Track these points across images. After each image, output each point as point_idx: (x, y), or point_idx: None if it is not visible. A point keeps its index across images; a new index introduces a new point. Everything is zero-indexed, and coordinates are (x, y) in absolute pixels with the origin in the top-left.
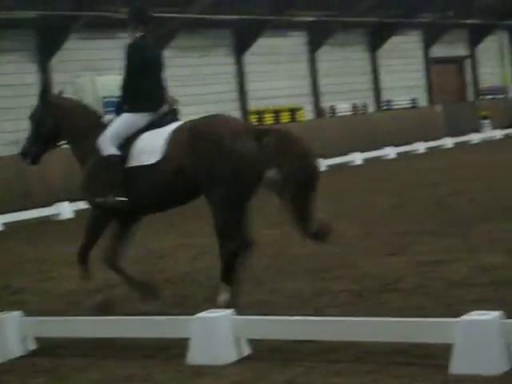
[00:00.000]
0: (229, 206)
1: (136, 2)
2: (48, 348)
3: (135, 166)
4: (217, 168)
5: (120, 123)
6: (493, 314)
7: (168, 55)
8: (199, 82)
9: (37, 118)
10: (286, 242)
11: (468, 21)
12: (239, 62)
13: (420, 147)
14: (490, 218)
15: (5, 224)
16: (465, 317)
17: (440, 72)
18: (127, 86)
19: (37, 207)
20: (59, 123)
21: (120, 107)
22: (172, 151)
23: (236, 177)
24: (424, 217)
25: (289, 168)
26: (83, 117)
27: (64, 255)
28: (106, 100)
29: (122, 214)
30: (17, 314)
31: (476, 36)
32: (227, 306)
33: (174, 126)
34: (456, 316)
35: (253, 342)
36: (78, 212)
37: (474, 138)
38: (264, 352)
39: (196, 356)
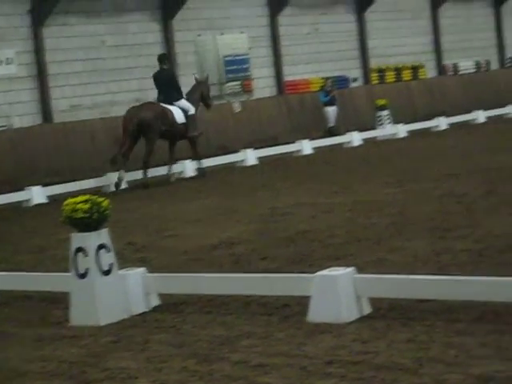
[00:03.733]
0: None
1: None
2: (171, 304)
3: None
4: None
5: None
6: None
7: (289, 13)
8: (320, 40)
9: None
10: (406, 201)
11: None
12: (360, 20)
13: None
14: None
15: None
16: None
17: None
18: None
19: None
20: None
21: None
22: None
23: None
24: None
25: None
26: None
27: (185, 213)
28: (227, 59)
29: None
30: (140, 270)
31: None
32: None
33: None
34: None
35: (373, 301)
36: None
37: None
38: (384, 311)
39: (316, 314)
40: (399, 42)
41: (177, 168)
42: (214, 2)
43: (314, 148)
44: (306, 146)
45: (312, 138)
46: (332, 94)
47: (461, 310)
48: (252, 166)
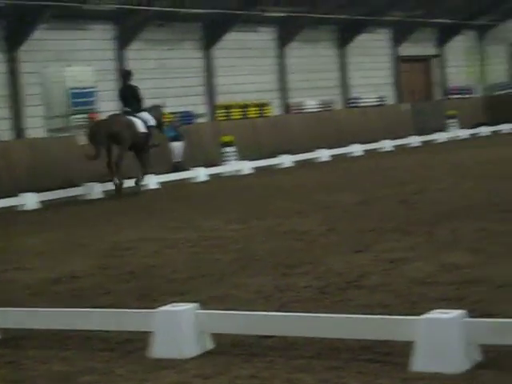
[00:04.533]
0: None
1: None
2: (10, 339)
3: None
4: None
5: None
6: (454, 313)
7: (136, 47)
8: (167, 76)
9: None
10: (250, 238)
11: (436, 20)
12: (207, 56)
13: (386, 145)
14: (455, 217)
15: None
16: (427, 315)
17: (408, 70)
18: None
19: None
20: None
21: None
22: None
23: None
24: (389, 215)
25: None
26: None
27: (28, 246)
28: (73, 91)
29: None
30: None
31: (444, 35)
32: None
33: None
34: (419, 314)
35: (216, 337)
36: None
37: (441, 137)
38: (227, 347)
39: (158, 350)
40: (246, 79)
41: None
42: (62, 33)
43: (160, 183)
44: (152, 181)
45: (158, 173)
46: (178, 129)
47: (302, 346)
48: (97, 200)
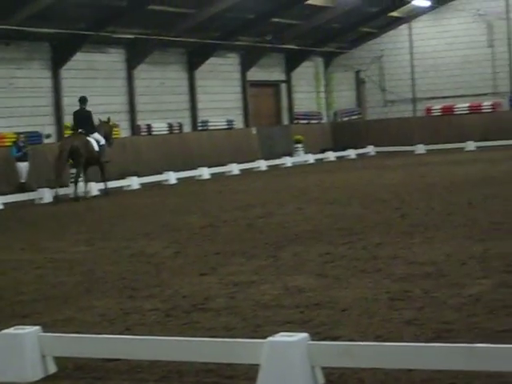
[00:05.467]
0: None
1: None
2: None
3: None
4: None
5: None
6: (298, 336)
7: None
8: (14, 95)
9: None
10: (97, 260)
11: (284, 46)
12: (56, 76)
13: (234, 169)
14: (299, 241)
15: None
16: (271, 338)
17: (257, 95)
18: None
19: None
20: None
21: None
22: None
23: None
24: (236, 238)
25: None
26: None
27: None
28: None
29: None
30: None
31: (292, 61)
32: None
33: None
34: (263, 337)
35: (59, 360)
36: None
37: (288, 161)
38: (70, 370)
39: (1, 374)
40: (95, 100)
41: None
42: None
43: (4, 203)
44: None
45: (3, 194)
46: (24, 149)
47: (146, 369)
48: None
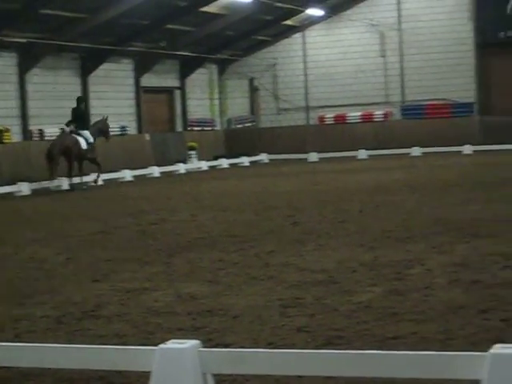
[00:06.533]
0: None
1: None
2: None
3: None
4: None
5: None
6: (189, 343)
7: None
8: None
9: None
10: None
11: (179, 52)
12: None
13: (127, 175)
14: (192, 248)
15: None
16: (162, 345)
17: (150, 101)
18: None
19: None
20: None
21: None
22: None
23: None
24: (128, 244)
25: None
26: None
27: None
28: None
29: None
30: None
31: (186, 68)
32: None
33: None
34: (155, 344)
35: None
36: None
37: (181, 168)
38: None
39: None
40: None
41: None
42: None
43: None
44: None
45: None
46: None
47: (36, 377)
48: None
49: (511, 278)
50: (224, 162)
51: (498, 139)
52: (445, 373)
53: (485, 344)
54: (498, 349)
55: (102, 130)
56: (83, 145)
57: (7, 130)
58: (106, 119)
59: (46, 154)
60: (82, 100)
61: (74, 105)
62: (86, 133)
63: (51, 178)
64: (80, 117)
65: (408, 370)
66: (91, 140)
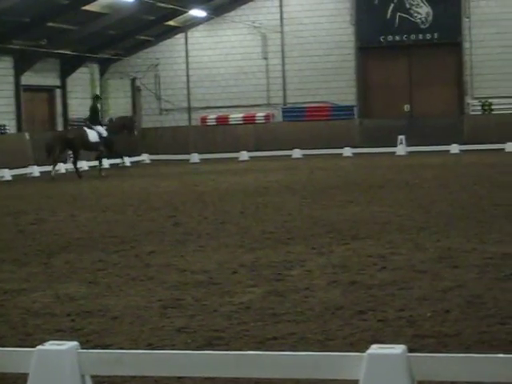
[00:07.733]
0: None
1: None
2: None
3: None
4: None
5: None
6: (67, 345)
7: None
8: None
9: None
10: None
11: (60, 51)
12: None
13: (6, 174)
14: (71, 248)
15: None
16: (39, 347)
17: (31, 100)
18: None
19: None
20: None
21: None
22: None
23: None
24: (6, 245)
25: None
26: None
27: None
28: None
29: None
30: None
31: (67, 67)
32: None
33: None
34: (33, 346)
35: None
36: None
37: (61, 167)
38: None
39: None
40: None
41: None
42: None
43: None
44: None
45: None
46: None
47: None
48: None
49: (388, 280)
50: (105, 162)
51: (376, 142)
52: (323, 373)
53: (362, 344)
54: (374, 349)
55: (125, 125)
56: (92, 137)
57: None
58: (132, 117)
59: (45, 145)
60: (98, 98)
61: None
62: (99, 128)
63: (53, 164)
64: (94, 113)
65: (287, 370)
66: (104, 134)
